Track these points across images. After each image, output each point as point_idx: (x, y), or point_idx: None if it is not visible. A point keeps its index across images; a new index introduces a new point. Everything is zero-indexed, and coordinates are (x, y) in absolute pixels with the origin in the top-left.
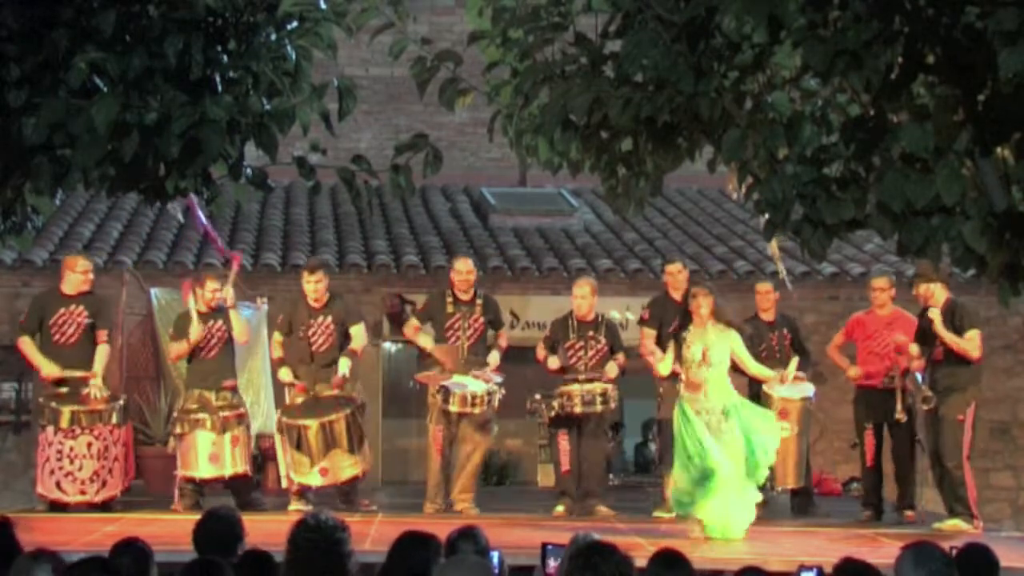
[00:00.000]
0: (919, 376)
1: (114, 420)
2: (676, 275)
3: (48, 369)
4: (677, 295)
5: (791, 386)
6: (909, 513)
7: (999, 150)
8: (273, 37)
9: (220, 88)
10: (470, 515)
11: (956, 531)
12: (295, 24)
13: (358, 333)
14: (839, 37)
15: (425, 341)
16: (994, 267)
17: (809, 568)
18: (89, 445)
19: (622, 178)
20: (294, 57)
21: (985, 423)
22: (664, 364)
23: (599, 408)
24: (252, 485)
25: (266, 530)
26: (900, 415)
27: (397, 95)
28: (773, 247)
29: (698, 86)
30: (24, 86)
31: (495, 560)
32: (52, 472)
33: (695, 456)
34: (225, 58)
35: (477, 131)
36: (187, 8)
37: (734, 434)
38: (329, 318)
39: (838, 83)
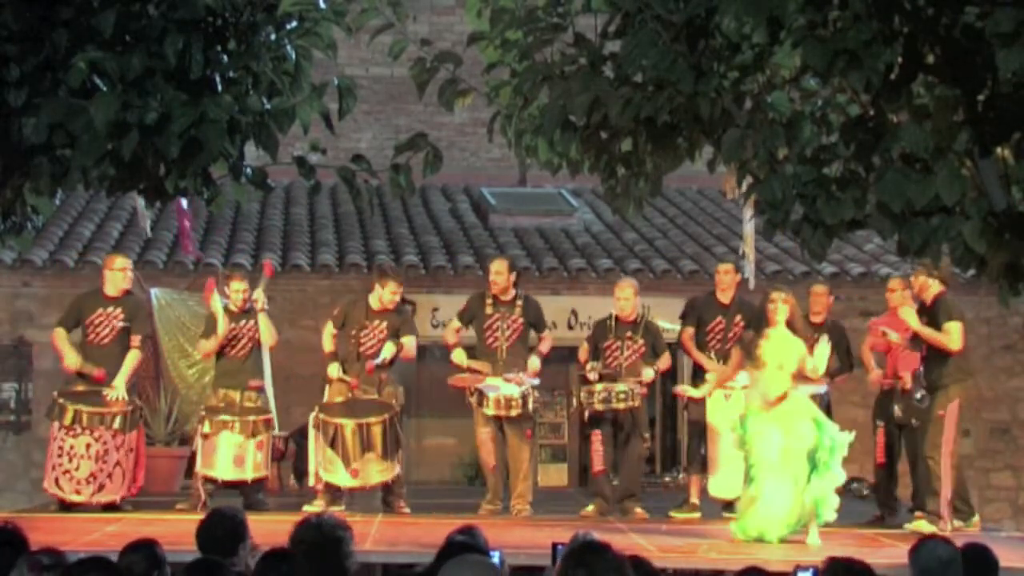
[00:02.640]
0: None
1: (116, 425)
2: (724, 275)
3: (69, 361)
4: (723, 296)
5: (803, 385)
6: (919, 514)
7: (999, 150)
8: (273, 37)
9: (220, 88)
10: (522, 517)
11: (917, 532)
12: (295, 24)
13: (409, 342)
14: (839, 37)
15: (459, 358)
16: (994, 267)
17: (805, 568)
18: (88, 446)
19: (622, 178)
20: (294, 57)
21: (985, 423)
22: (710, 379)
23: (619, 406)
24: (260, 486)
25: (267, 530)
26: (898, 413)
27: (397, 95)
28: (749, 249)
29: (698, 86)
30: (24, 86)
31: (496, 560)
32: (54, 468)
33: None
34: (225, 58)
35: (477, 131)
36: (187, 8)
37: (796, 433)
38: (384, 323)
39: (838, 83)
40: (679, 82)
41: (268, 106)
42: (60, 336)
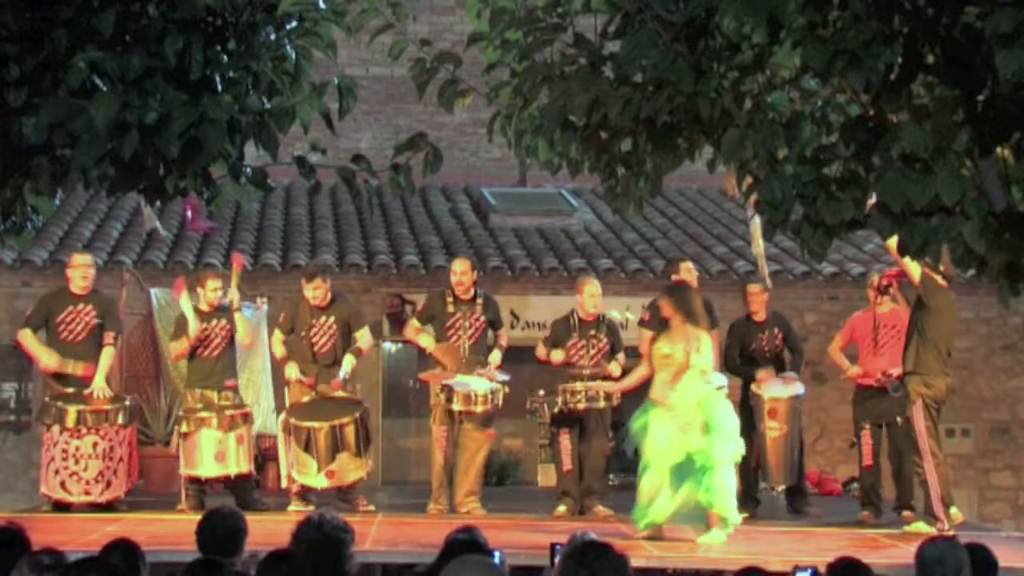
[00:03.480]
0: None
1: (120, 420)
2: (686, 273)
3: (47, 360)
4: None
5: (780, 386)
6: (907, 513)
7: (999, 150)
8: (273, 37)
9: (220, 88)
10: (477, 516)
11: (918, 533)
12: (295, 24)
13: (363, 336)
14: (838, 37)
15: (426, 342)
16: (994, 267)
17: (804, 568)
18: (95, 445)
19: (622, 178)
20: (294, 56)
21: (985, 423)
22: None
23: (602, 404)
24: (252, 485)
25: (266, 530)
26: (885, 412)
27: (397, 95)
28: (758, 248)
29: (698, 86)
30: (24, 86)
31: (496, 560)
32: (57, 472)
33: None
34: (225, 58)
35: (477, 131)
36: (187, 8)
37: (703, 427)
38: (332, 318)
39: (838, 83)
40: (679, 82)
41: (268, 106)
42: (28, 337)
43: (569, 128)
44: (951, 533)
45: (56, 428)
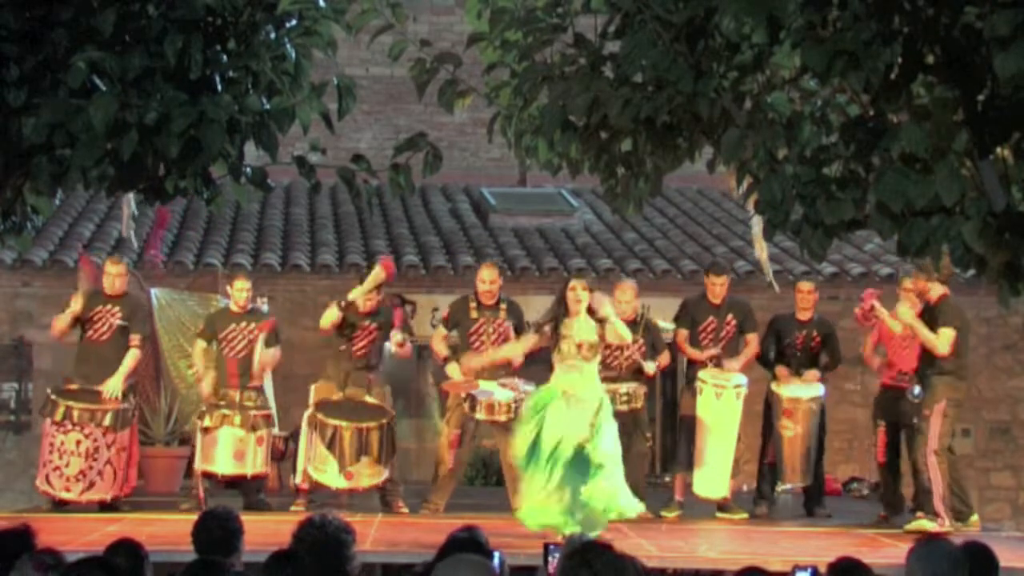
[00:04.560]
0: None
1: (107, 422)
2: (718, 287)
3: (60, 324)
4: (713, 297)
5: (800, 386)
6: (920, 513)
7: (999, 150)
8: (272, 36)
9: (220, 88)
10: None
11: (920, 531)
12: (294, 23)
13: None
14: (838, 37)
15: (454, 373)
16: (994, 267)
17: (804, 568)
18: (78, 443)
19: (622, 178)
20: (294, 56)
21: (985, 423)
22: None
23: (622, 407)
24: (261, 485)
25: (268, 530)
26: (903, 412)
27: (397, 95)
28: (761, 252)
29: (697, 86)
30: (24, 86)
31: (496, 560)
32: (44, 464)
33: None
34: (225, 57)
35: (477, 131)
36: (187, 8)
37: (608, 425)
38: (374, 324)
39: (838, 83)
40: (679, 82)
41: (268, 106)
42: (59, 319)
43: (569, 128)
44: (951, 532)
45: (48, 420)
